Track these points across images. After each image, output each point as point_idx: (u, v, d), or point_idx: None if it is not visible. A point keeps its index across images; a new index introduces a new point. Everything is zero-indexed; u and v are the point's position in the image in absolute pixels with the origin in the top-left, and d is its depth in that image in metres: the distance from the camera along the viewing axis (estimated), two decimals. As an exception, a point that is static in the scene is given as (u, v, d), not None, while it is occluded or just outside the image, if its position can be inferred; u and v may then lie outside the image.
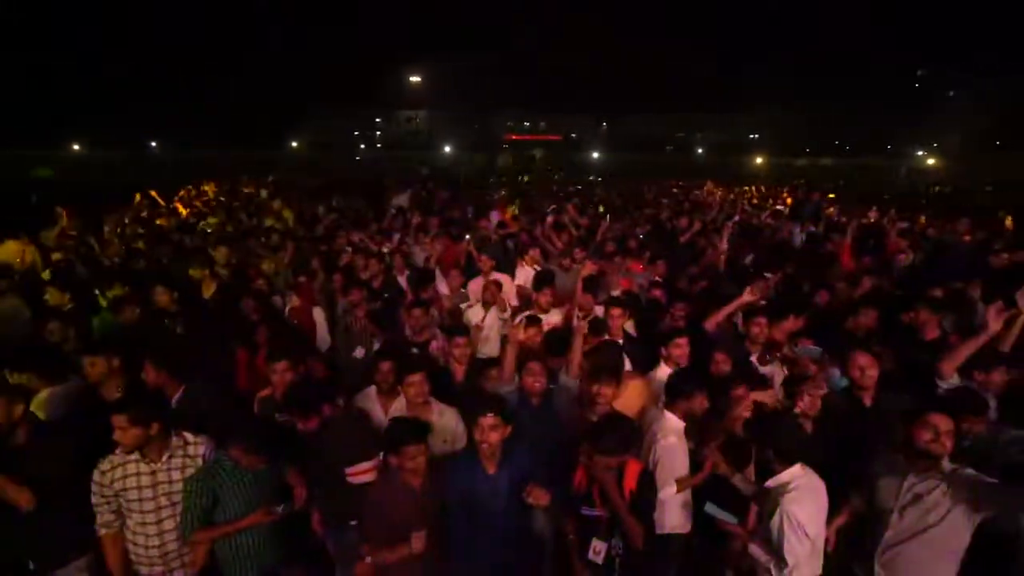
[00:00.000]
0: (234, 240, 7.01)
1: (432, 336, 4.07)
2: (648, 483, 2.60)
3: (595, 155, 44.27)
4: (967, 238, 7.22)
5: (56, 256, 6.36)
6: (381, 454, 2.90)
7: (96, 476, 2.56)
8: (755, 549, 2.51)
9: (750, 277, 4.84)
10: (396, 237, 7.36)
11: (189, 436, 2.73)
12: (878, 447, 2.69)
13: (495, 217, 9.42)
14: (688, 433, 2.99)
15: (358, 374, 3.92)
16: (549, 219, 8.04)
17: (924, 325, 3.95)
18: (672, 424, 2.95)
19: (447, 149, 46.99)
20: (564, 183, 19.59)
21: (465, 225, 8.71)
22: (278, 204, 10.64)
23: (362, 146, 58.58)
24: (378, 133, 68.17)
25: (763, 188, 12.76)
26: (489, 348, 4.55)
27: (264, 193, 12.15)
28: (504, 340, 4.14)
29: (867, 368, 3.09)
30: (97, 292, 5.05)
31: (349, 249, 6.47)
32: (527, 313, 4.24)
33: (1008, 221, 9.40)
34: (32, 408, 3.05)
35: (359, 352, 4.40)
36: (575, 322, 3.20)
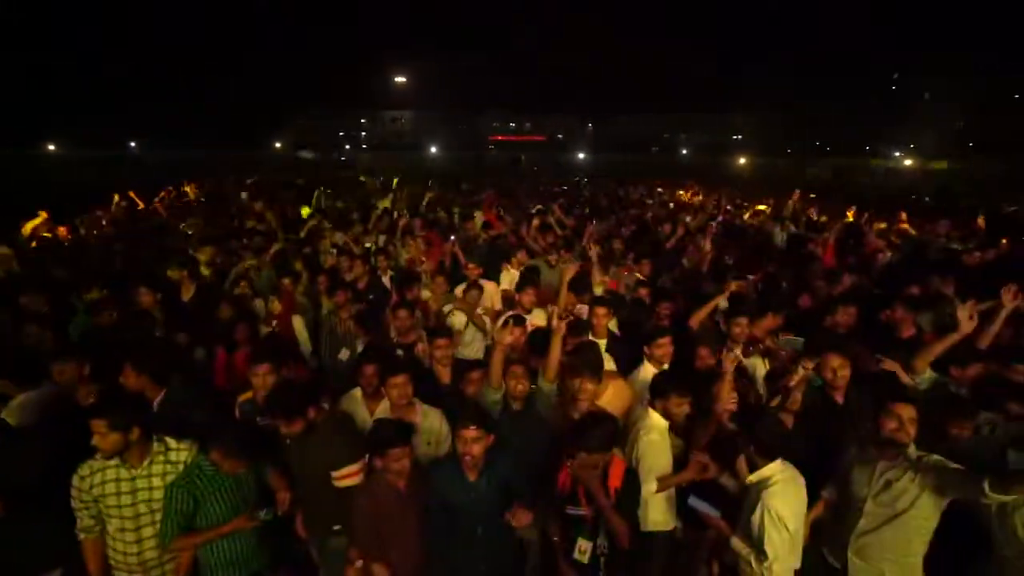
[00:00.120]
0: (216, 241, 6.91)
1: (418, 338, 4.05)
2: (632, 481, 2.62)
3: (580, 156, 44.46)
4: (943, 238, 7.41)
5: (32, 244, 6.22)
6: (367, 457, 2.88)
7: (75, 481, 2.51)
8: (736, 542, 2.55)
9: (731, 277, 4.91)
10: (382, 238, 7.32)
11: (171, 442, 2.67)
12: (849, 441, 2.78)
13: (479, 219, 9.40)
14: (675, 432, 3.02)
15: (343, 376, 3.89)
16: (536, 221, 8.06)
17: (900, 323, 4.05)
18: (655, 422, 2.98)
19: (433, 149, 46.84)
20: (550, 183, 19.63)
21: (450, 226, 8.69)
22: (260, 206, 10.49)
23: (347, 147, 58.13)
24: (363, 134, 67.75)
25: (735, 201, 12.88)
26: (472, 351, 4.55)
27: (244, 196, 11.98)
28: (488, 348, 4.15)
29: (839, 369, 3.17)
30: (74, 295, 4.95)
31: (334, 251, 6.41)
32: (511, 313, 4.25)
33: (980, 221, 9.64)
34: (4, 414, 2.98)
35: (344, 354, 4.37)
36: (554, 323, 3.20)
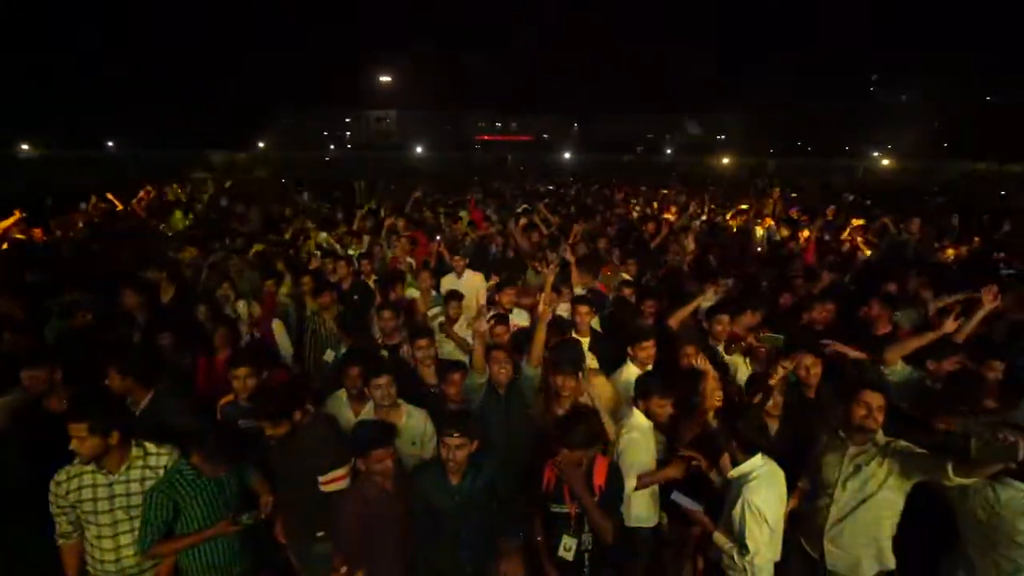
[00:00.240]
0: (196, 242, 6.80)
1: (403, 339, 4.04)
2: (616, 478, 2.64)
3: (567, 156, 44.60)
4: (917, 236, 7.58)
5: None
6: (354, 461, 2.86)
7: (52, 487, 2.46)
8: (719, 537, 2.59)
9: (712, 276, 4.99)
10: (366, 239, 7.27)
11: (151, 446, 2.63)
12: (821, 433, 2.87)
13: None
14: (660, 430, 3.05)
15: (328, 378, 3.87)
16: (523, 220, 8.09)
17: (876, 320, 4.13)
18: (637, 421, 3.00)
19: (419, 149, 46.59)
20: (536, 183, 19.67)
21: (436, 225, 8.67)
22: (240, 207, 10.36)
23: (332, 147, 57.57)
24: (347, 133, 67.17)
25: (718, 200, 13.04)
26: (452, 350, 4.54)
27: (224, 201, 11.80)
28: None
29: (811, 366, 3.28)
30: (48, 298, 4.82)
31: (317, 252, 6.36)
32: (494, 312, 4.27)
33: (955, 220, 9.90)
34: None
35: (329, 356, 4.33)
36: (540, 309, 3.24)
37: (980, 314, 3.63)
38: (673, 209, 11.03)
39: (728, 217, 9.96)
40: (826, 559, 2.67)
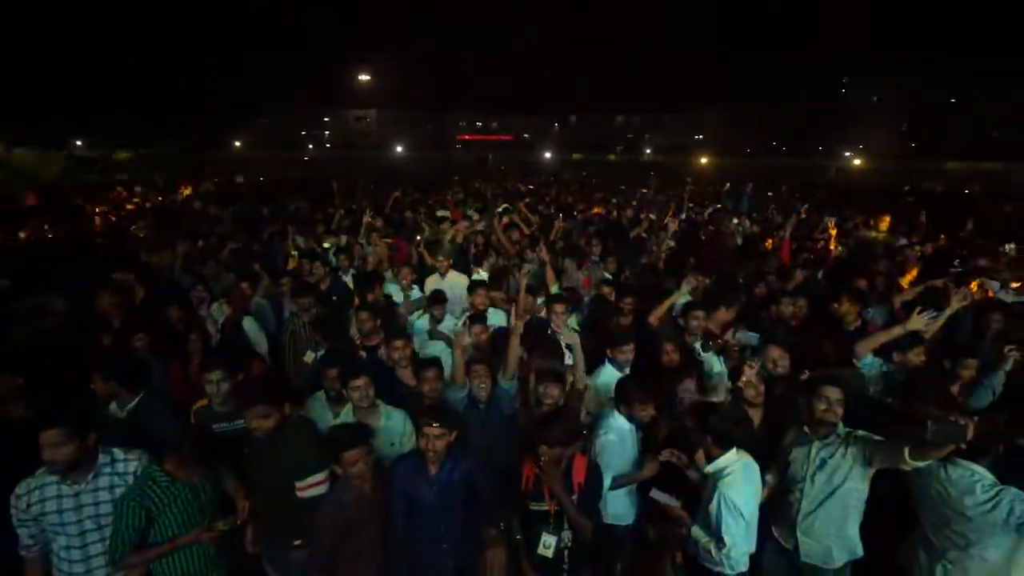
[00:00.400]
0: (169, 245, 6.64)
1: (382, 340, 4.01)
2: (595, 476, 2.67)
3: (547, 155, 44.79)
4: (886, 233, 7.82)
5: None
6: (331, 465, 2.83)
7: (12, 500, 2.37)
8: (697, 531, 2.63)
9: (690, 273, 5.06)
10: (343, 238, 7.20)
11: (118, 452, 2.55)
12: (788, 425, 2.97)
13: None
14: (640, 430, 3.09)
15: (309, 379, 3.82)
16: (504, 220, 8.10)
17: (846, 315, 4.26)
18: (615, 422, 3.02)
19: (399, 149, 46.24)
20: (517, 183, 19.71)
21: (416, 226, 8.62)
22: (215, 210, 10.17)
23: (310, 146, 56.74)
24: (327, 133, 66.31)
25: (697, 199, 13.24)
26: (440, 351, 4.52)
27: (197, 204, 11.57)
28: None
29: (779, 360, 3.38)
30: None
31: (295, 253, 6.27)
32: (469, 313, 4.27)
33: (923, 217, 10.20)
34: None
35: (309, 357, 4.28)
36: (512, 322, 3.26)
37: (947, 312, 3.76)
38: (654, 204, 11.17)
39: (707, 214, 10.12)
40: (799, 550, 2.75)
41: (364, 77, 56.62)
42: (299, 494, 2.74)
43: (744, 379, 3.18)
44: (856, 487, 2.61)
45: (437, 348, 4.10)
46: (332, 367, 3.22)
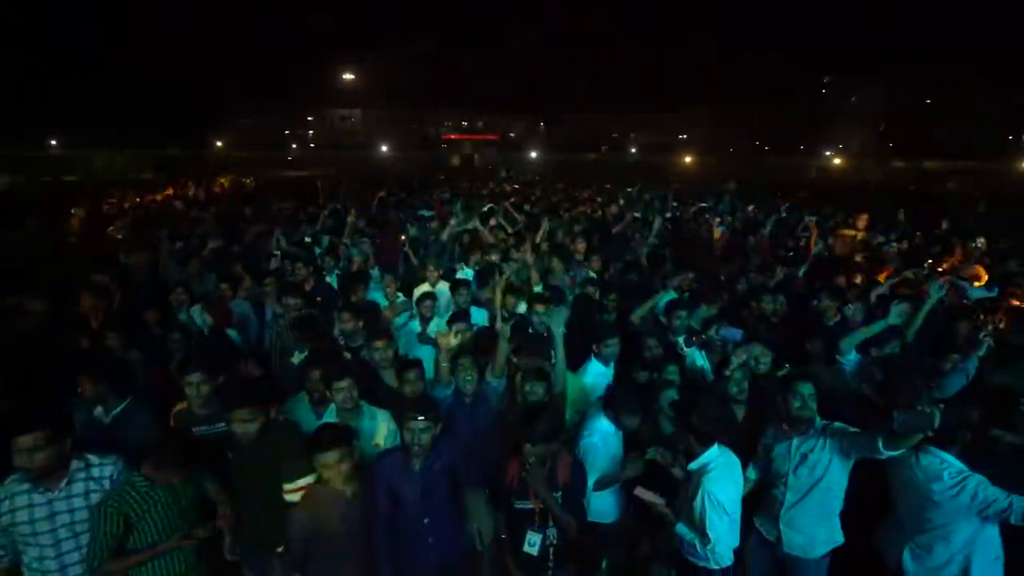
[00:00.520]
0: (147, 247, 6.51)
1: (366, 341, 3.98)
2: (579, 474, 2.68)
3: (533, 155, 44.89)
4: (864, 231, 7.98)
5: None
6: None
7: None
8: (681, 528, 2.65)
9: (672, 271, 5.12)
10: (325, 239, 7.14)
11: (93, 457, 2.49)
12: (769, 421, 3.02)
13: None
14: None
15: (295, 381, 3.78)
16: (492, 221, 8.11)
17: (826, 311, 4.34)
18: (600, 424, 3.04)
19: (384, 148, 45.94)
20: (502, 183, 19.71)
21: (400, 225, 8.58)
22: (195, 209, 10.00)
23: (294, 146, 56.08)
24: (311, 132, 65.64)
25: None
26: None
27: (179, 204, 11.37)
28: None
29: (761, 357, 3.46)
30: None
31: (278, 253, 6.19)
32: (454, 311, 4.27)
33: (901, 215, 10.43)
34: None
35: (297, 358, 4.23)
36: (498, 324, 3.28)
37: (927, 307, 3.85)
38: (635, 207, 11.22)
39: (691, 213, 10.21)
40: (782, 541, 2.81)
41: (349, 76, 56.01)
42: (286, 497, 2.70)
43: (726, 374, 3.22)
44: (836, 479, 2.68)
45: (426, 352, 4.08)
46: (314, 369, 3.19)
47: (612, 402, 3.04)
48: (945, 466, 2.50)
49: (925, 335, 4.02)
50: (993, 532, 2.51)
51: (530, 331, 3.92)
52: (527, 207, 11.06)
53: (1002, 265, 5.88)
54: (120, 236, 7.86)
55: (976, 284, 5.28)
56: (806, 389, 2.72)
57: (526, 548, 2.60)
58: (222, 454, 2.87)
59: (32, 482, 2.32)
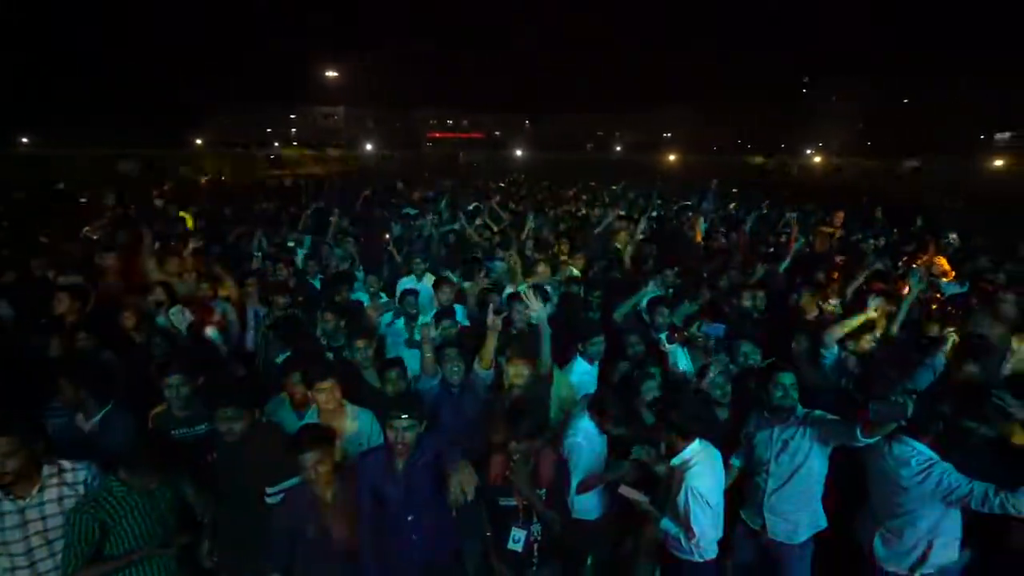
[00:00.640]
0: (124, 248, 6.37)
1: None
2: (563, 470, 2.70)
3: (518, 153, 44.88)
4: (840, 228, 8.15)
5: None
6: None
7: None
8: (666, 523, 2.69)
9: (655, 269, 5.17)
10: (307, 239, 7.07)
11: (66, 463, 2.43)
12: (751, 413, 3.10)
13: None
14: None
15: (275, 382, 3.74)
16: (477, 221, 8.10)
17: (805, 306, 4.42)
18: (584, 425, 3.04)
19: (368, 147, 45.53)
20: (487, 181, 19.68)
21: (383, 224, 8.52)
22: (174, 209, 9.79)
23: (276, 144, 55.27)
24: (293, 130, 64.79)
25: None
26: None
27: (160, 203, 11.12)
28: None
29: (750, 353, 3.56)
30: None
31: (259, 254, 6.11)
32: (437, 309, 4.27)
33: (878, 212, 10.65)
34: None
35: (281, 359, 4.18)
36: (490, 319, 3.29)
37: (909, 299, 3.94)
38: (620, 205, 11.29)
39: (674, 210, 10.31)
40: (767, 528, 2.88)
41: (331, 73, 55.24)
42: (268, 500, 2.67)
43: (707, 381, 3.28)
44: (816, 465, 2.76)
45: (414, 356, 4.06)
46: (295, 370, 3.16)
47: (599, 406, 3.06)
48: (914, 454, 2.60)
49: (909, 328, 4.12)
50: (956, 517, 2.63)
51: (513, 331, 3.92)
52: (512, 205, 11.07)
53: (972, 262, 6.04)
54: (96, 237, 7.67)
55: (944, 279, 5.42)
56: (787, 379, 2.81)
57: (511, 545, 2.61)
58: (202, 457, 2.83)
59: (3, 489, 2.26)
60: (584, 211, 10.68)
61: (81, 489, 2.41)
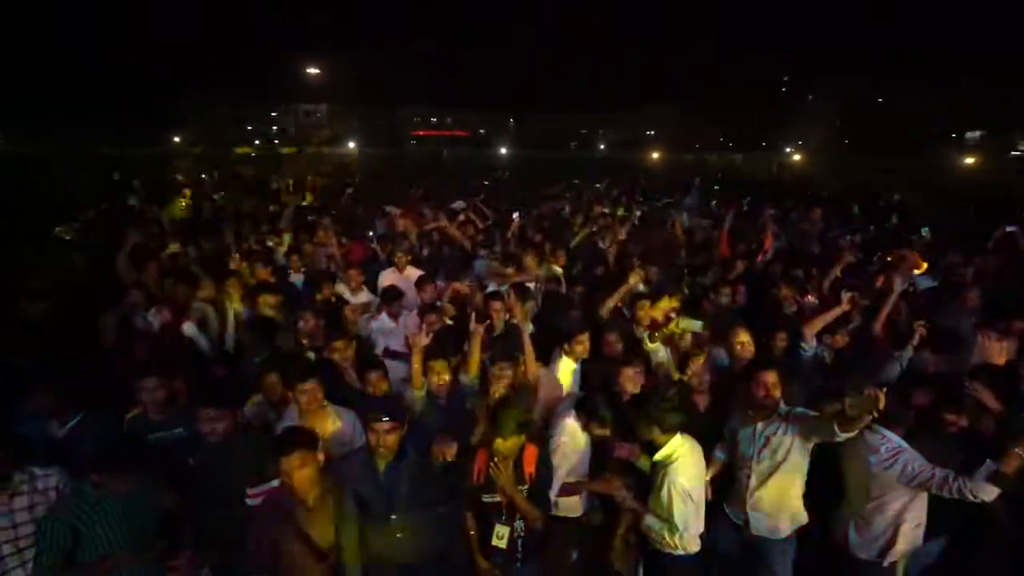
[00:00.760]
0: (97, 247, 6.22)
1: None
2: (546, 467, 2.72)
3: (503, 151, 44.84)
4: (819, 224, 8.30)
5: None
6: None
7: None
8: (650, 519, 2.72)
9: (637, 265, 5.21)
10: (286, 237, 6.98)
11: (36, 469, 2.39)
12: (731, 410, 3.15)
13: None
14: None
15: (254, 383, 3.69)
16: (461, 217, 8.08)
17: (784, 300, 4.51)
18: (568, 426, 3.06)
19: (351, 145, 45.06)
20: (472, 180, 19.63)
21: (366, 223, 8.45)
22: (152, 209, 9.59)
23: (256, 142, 54.32)
24: (274, 128, 63.83)
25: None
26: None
27: (134, 202, 10.87)
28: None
29: (746, 343, 3.58)
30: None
31: (237, 254, 6.01)
32: (421, 305, 4.26)
33: (855, 209, 10.88)
34: None
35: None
36: (472, 326, 3.29)
37: (892, 298, 4.03)
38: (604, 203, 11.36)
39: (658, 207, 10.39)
40: (750, 524, 2.92)
41: (313, 70, 54.34)
42: (249, 501, 2.64)
43: (690, 371, 3.31)
44: (798, 461, 2.80)
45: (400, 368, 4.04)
46: (271, 371, 3.13)
47: (585, 408, 3.07)
48: (884, 442, 2.70)
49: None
50: (920, 504, 2.73)
51: (494, 334, 3.93)
52: (495, 203, 11.06)
53: (943, 257, 6.20)
54: (68, 238, 7.49)
55: (916, 272, 5.56)
56: (770, 378, 2.84)
57: (495, 541, 2.62)
58: (181, 461, 2.78)
59: None
60: (566, 209, 10.71)
61: (52, 495, 2.37)
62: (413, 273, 5.38)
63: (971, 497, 2.45)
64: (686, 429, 2.78)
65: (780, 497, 2.86)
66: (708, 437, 3.02)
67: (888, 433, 2.71)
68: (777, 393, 2.84)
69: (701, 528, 2.75)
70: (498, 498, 2.60)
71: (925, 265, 5.71)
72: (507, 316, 4.07)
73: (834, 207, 10.99)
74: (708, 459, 2.98)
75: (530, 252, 5.59)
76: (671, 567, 2.77)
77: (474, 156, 40.65)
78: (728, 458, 3.11)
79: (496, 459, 2.55)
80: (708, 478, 2.98)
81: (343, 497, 2.45)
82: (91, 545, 2.30)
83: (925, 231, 7.62)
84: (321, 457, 2.40)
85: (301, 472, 2.30)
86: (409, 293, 4.78)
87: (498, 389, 3.18)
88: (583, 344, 3.60)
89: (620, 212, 9.32)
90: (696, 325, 4.02)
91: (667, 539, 2.68)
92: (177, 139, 44.27)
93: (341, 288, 5.02)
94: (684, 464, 2.66)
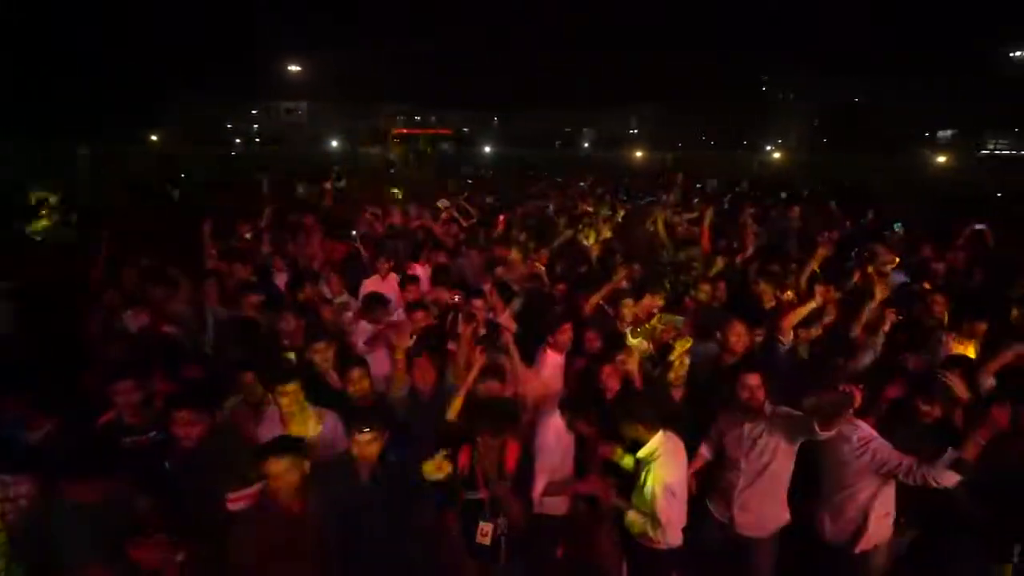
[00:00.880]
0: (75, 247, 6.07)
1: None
2: (527, 464, 2.73)
3: (487, 149, 44.77)
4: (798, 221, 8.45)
5: None
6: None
7: None
8: (634, 515, 2.74)
9: (620, 262, 5.25)
10: (266, 237, 6.87)
11: (7, 477, 2.32)
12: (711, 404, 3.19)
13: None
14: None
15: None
16: (444, 215, 8.04)
17: (763, 295, 4.58)
18: (553, 423, 3.06)
19: (333, 143, 44.55)
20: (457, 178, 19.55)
21: (348, 223, 8.36)
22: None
23: (237, 140, 53.41)
24: (255, 126, 62.85)
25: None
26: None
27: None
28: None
29: (742, 336, 3.59)
30: None
31: (214, 253, 5.91)
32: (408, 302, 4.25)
33: (833, 205, 11.08)
34: None
35: None
36: (460, 327, 3.28)
37: (877, 299, 4.10)
38: (589, 201, 11.41)
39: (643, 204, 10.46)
40: (735, 523, 2.96)
41: (294, 68, 53.46)
42: (229, 506, 2.59)
43: (673, 356, 3.34)
44: (783, 461, 2.85)
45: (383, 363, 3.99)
46: (247, 372, 3.08)
47: (571, 406, 3.08)
48: (856, 431, 2.78)
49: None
50: (889, 493, 2.81)
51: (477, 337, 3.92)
52: (486, 200, 11.04)
53: (915, 252, 6.36)
54: (39, 239, 7.29)
55: (890, 266, 5.69)
56: (753, 380, 2.87)
57: (479, 539, 2.62)
58: (156, 465, 2.73)
59: None
60: (549, 207, 10.73)
61: (23, 503, 2.30)
62: (395, 280, 5.34)
63: (933, 484, 2.53)
64: (668, 422, 2.80)
65: (767, 497, 2.91)
66: (685, 429, 3.02)
67: (860, 423, 2.79)
68: (761, 395, 2.87)
69: (684, 522, 2.78)
70: (481, 495, 2.60)
71: (897, 260, 5.85)
72: (490, 315, 4.07)
73: (812, 205, 11.18)
74: (693, 454, 3.01)
75: (515, 249, 5.60)
76: (655, 561, 2.80)
77: (457, 154, 40.48)
78: (714, 458, 3.14)
79: (479, 453, 2.55)
80: (691, 472, 3.02)
81: (325, 510, 2.43)
82: (64, 554, 2.25)
83: (898, 227, 7.81)
84: (307, 465, 2.37)
85: (287, 478, 2.27)
86: (394, 300, 4.73)
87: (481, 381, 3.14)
88: (567, 334, 3.62)
89: (604, 211, 9.34)
90: (677, 321, 4.07)
91: (651, 534, 2.70)
92: (155, 137, 43.33)
93: (324, 288, 4.96)
94: (668, 460, 2.69)
